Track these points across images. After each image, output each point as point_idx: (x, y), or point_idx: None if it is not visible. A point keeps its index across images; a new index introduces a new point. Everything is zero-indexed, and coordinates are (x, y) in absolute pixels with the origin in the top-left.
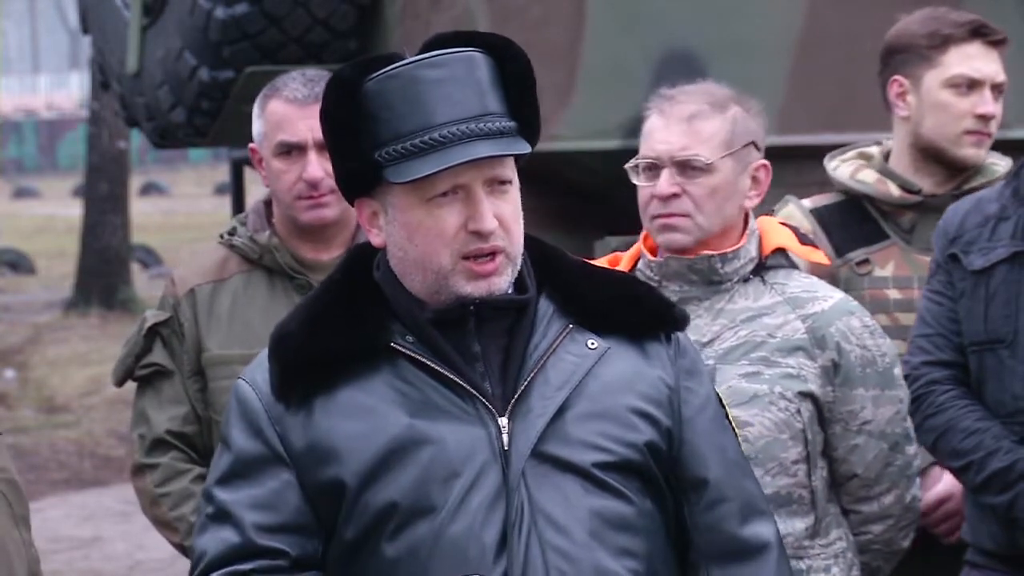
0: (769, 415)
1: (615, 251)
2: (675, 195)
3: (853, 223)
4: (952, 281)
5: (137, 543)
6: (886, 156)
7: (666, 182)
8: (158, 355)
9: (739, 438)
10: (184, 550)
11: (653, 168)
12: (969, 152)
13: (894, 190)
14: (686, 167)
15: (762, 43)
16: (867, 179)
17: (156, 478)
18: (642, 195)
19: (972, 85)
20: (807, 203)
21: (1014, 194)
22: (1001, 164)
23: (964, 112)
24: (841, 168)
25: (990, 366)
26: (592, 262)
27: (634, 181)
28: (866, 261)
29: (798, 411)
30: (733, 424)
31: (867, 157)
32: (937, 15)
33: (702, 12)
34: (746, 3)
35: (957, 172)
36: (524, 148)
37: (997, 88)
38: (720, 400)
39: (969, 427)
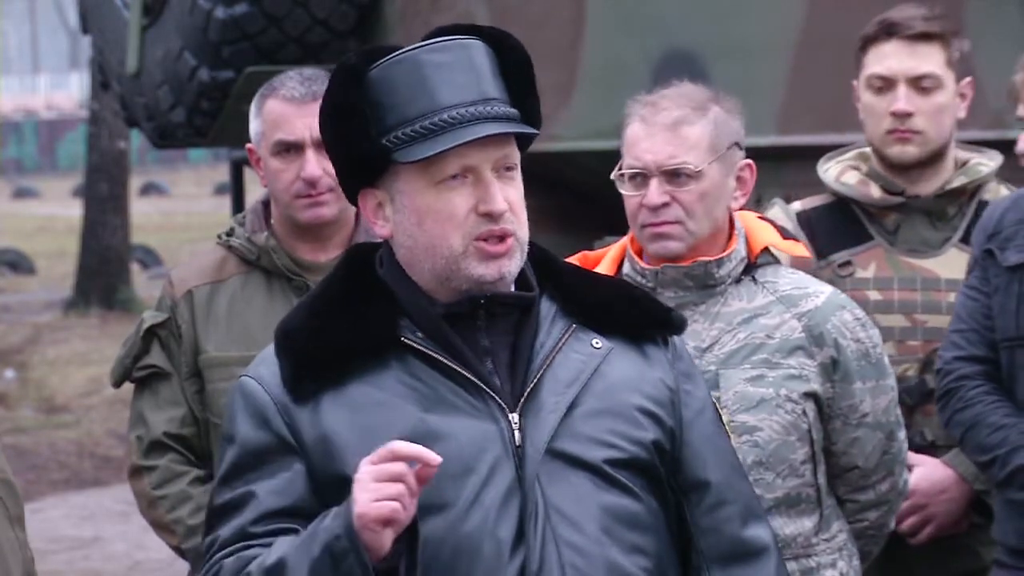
0: (777, 418)
1: (583, 251)
2: (665, 204)
3: (840, 225)
4: (988, 277)
5: (137, 543)
6: None
7: (656, 191)
8: (155, 357)
9: (749, 443)
10: (182, 552)
11: (640, 177)
12: (894, 151)
13: (875, 191)
14: (674, 175)
15: (762, 43)
16: (850, 181)
17: (154, 480)
18: (630, 204)
19: (886, 84)
20: (797, 205)
21: None
22: (988, 164)
23: (883, 112)
24: (831, 170)
25: (1021, 363)
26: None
27: (620, 190)
28: (848, 263)
29: (803, 412)
30: (728, 429)
31: (865, 158)
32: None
33: (702, 12)
34: (746, 3)
35: (901, 171)
36: (532, 129)
37: (919, 82)
38: (715, 404)
39: (996, 422)
